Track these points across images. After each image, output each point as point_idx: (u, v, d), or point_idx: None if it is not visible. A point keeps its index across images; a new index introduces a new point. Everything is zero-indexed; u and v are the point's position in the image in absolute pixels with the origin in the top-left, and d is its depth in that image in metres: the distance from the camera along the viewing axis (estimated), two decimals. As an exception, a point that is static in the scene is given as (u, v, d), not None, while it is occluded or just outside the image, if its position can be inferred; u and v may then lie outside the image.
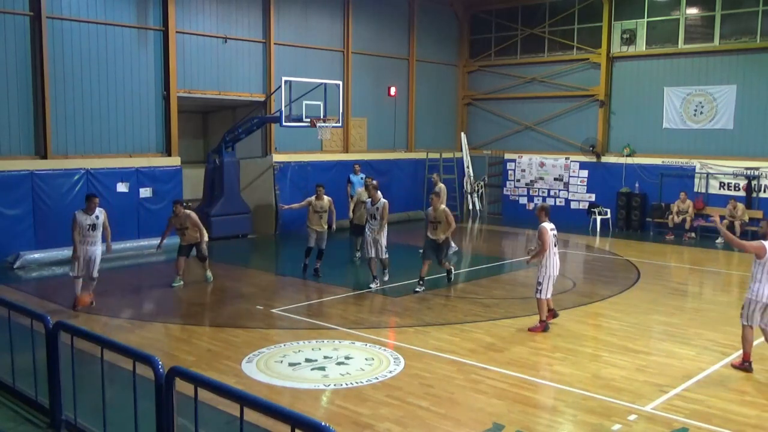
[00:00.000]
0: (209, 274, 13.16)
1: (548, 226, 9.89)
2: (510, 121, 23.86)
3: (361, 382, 7.84)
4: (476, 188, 24.02)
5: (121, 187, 15.98)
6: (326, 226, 13.43)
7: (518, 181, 23.74)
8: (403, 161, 22.71)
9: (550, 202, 22.96)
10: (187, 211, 12.85)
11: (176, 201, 13.20)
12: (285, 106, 16.63)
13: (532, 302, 11.78)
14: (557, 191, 22.77)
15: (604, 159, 21.64)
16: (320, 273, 13.48)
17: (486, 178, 24.29)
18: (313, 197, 13.47)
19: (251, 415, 4.41)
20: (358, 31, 21.18)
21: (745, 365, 8.41)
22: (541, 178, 23.10)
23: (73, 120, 15.46)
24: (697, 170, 19.79)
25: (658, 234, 19.62)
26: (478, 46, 24.66)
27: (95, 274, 11.07)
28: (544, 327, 9.95)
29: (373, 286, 12.49)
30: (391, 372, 8.19)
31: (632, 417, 6.96)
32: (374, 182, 13.35)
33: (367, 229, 12.68)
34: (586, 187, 22.12)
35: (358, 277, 13.74)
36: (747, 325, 8.36)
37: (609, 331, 10.17)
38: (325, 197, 13.45)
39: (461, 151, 24.04)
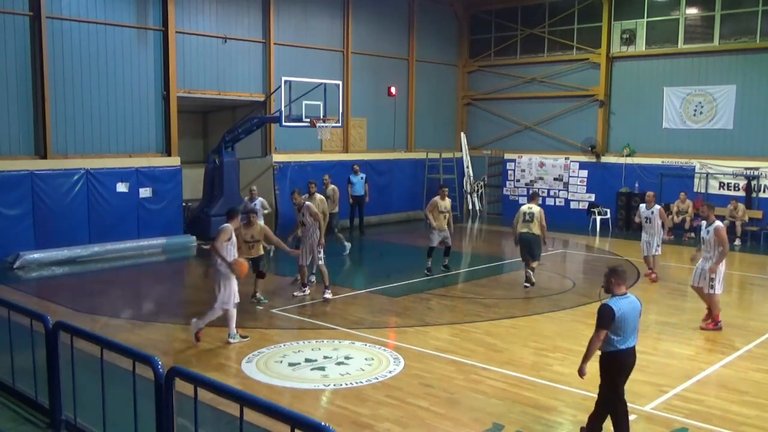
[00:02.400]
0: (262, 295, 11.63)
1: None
2: (510, 121, 23.85)
3: (361, 382, 7.83)
4: (476, 188, 24.03)
5: (121, 187, 15.98)
6: (446, 226, 13.67)
7: (518, 181, 23.73)
8: (403, 161, 22.70)
9: (549, 202, 22.98)
10: (262, 222, 11.75)
11: (251, 210, 11.60)
12: (285, 106, 16.62)
13: (533, 302, 11.83)
14: (557, 191, 22.77)
15: (604, 159, 21.64)
16: (450, 268, 14.13)
17: (486, 178, 24.28)
18: (438, 197, 13.58)
19: (251, 415, 4.42)
20: (358, 31, 21.18)
21: (718, 325, 10.10)
22: (541, 178, 23.10)
23: (73, 120, 15.45)
24: (696, 170, 19.79)
25: (657, 234, 19.59)
26: (478, 46, 24.65)
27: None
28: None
29: (297, 293, 11.90)
30: (390, 372, 8.18)
31: (632, 417, 6.95)
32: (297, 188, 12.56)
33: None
34: (585, 187, 22.12)
35: (357, 277, 13.71)
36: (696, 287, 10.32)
37: (609, 331, 10.16)
38: (448, 199, 13.75)
39: (461, 151, 24.04)
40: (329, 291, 11.70)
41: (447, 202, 13.68)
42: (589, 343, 6.06)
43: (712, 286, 10.02)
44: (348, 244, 16.20)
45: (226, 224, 9.22)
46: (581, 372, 6.19)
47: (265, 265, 11.72)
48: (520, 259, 13.21)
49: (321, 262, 11.67)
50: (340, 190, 16.84)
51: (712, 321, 10.19)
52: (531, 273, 12.78)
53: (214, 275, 9.23)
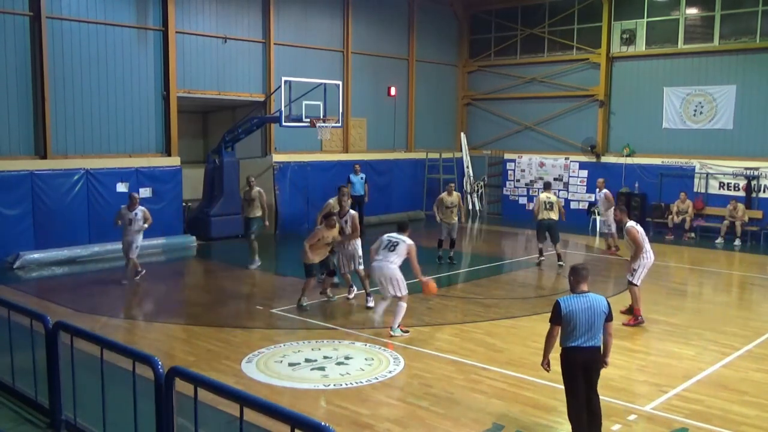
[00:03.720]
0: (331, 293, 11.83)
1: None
2: (510, 121, 23.85)
3: (361, 382, 7.83)
4: (476, 188, 24.02)
5: (121, 187, 15.95)
6: (456, 219, 14.69)
7: (518, 181, 23.73)
8: (403, 161, 22.71)
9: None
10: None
11: (331, 215, 11.37)
12: (285, 106, 16.62)
13: (532, 302, 11.82)
14: (557, 191, 22.74)
15: (604, 159, 21.63)
16: (454, 260, 15.03)
17: (486, 178, 24.28)
18: (445, 193, 14.76)
19: (251, 415, 4.41)
20: (358, 31, 21.17)
21: (639, 320, 10.33)
22: (541, 178, 23.03)
23: (72, 120, 15.45)
24: (696, 170, 19.79)
25: (657, 234, 19.56)
26: (478, 46, 24.65)
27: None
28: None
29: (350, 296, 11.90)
30: (390, 372, 8.18)
31: (632, 417, 6.96)
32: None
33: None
34: (585, 187, 22.12)
35: (358, 277, 13.68)
36: (638, 285, 10.38)
37: (609, 331, 10.16)
38: (455, 193, 14.82)
39: (461, 151, 24.03)
40: (371, 298, 11.25)
41: (454, 197, 14.72)
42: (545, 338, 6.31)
43: (631, 275, 10.39)
44: (258, 262, 14.40)
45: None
46: (542, 364, 6.45)
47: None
48: (537, 240, 15.15)
49: (361, 267, 11.57)
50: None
51: (632, 316, 10.40)
52: (560, 254, 14.90)
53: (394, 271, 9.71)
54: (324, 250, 11.16)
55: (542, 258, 15.05)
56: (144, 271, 13.20)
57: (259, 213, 14.31)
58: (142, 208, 12.80)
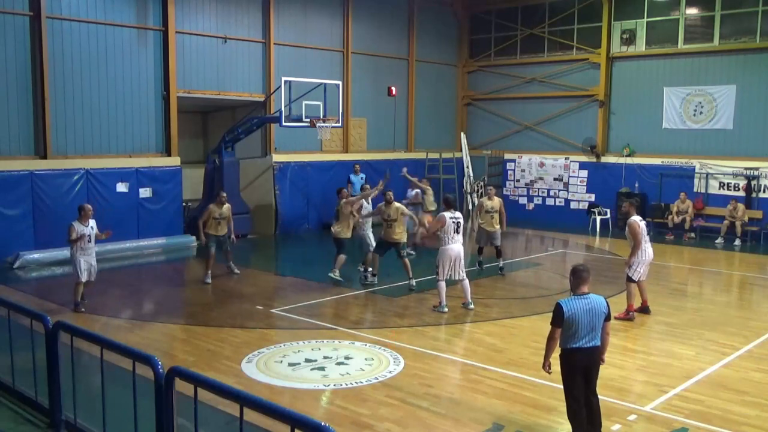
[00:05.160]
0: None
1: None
2: (510, 121, 23.85)
3: (361, 382, 7.83)
4: (476, 188, 23.99)
5: (121, 187, 15.96)
6: (498, 226, 13.94)
7: (518, 181, 23.73)
8: (403, 161, 22.67)
9: (549, 202, 23.00)
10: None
11: (342, 189, 13.83)
12: (285, 106, 16.61)
13: (532, 302, 11.82)
14: (557, 191, 22.77)
15: (604, 159, 21.63)
16: (504, 270, 14.10)
17: (486, 178, 24.25)
18: (485, 198, 14.26)
19: (251, 415, 4.41)
20: (358, 31, 21.17)
21: (629, 315, 10.49)
22: (541, 178, 23.10)
23: (72, 120, 15.45)
24: (696, 170, 19.79)
25: (657, 234, 19.56)
26: (478, 46, 24.65)
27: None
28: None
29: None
30: (390, 372, 8.18)
31: (632, 417, 6.96)
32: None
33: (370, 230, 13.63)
34: (585, 187, 22.12)
35: (358, 277, 13.69)
36: (639, 281, 10.61)
37: (609, 331, 10.16)
38: (496, 198, 14.16)
39: (461, 151, 24.00)
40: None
41: (495, 202, 14.06)
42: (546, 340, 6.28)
43: (628, 270, 10.61)
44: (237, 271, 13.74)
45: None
46: (543, 367, 6.43)
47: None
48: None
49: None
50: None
51: (624, 310, 10.56)
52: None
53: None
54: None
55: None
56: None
57: (225, 230, 13.09)
58: (93, 221, 11.00)
